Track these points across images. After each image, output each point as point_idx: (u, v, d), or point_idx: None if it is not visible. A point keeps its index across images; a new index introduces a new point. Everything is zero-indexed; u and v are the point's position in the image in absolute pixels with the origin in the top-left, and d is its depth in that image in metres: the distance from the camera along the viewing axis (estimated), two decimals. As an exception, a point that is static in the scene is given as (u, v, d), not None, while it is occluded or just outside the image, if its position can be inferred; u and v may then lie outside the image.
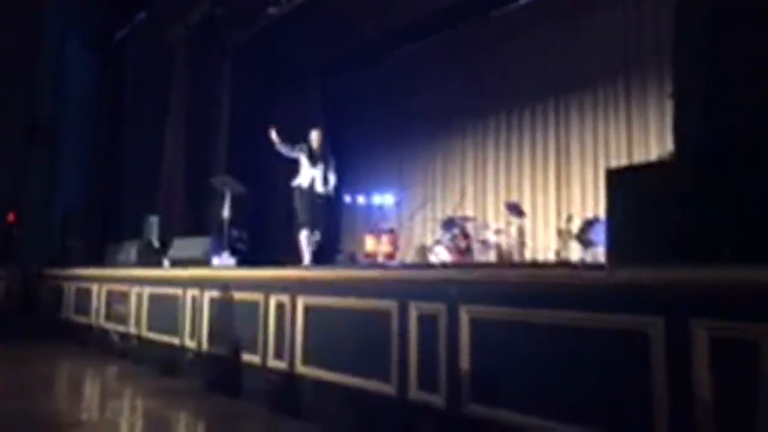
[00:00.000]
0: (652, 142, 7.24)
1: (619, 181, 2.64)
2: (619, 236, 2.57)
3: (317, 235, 6.33)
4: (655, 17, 7.16)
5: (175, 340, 5.43)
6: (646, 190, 2.49)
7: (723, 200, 2.19)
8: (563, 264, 5.70)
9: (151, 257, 7.12)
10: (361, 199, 10.62)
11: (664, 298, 2.14)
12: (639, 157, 7.27)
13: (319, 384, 3.77)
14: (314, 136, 6.46)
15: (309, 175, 6.31)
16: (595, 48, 7.87)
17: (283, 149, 6.39)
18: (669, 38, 2.71)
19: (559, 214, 8.05)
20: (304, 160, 6.35)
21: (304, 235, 6.20)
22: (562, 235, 7.29)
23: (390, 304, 3.31)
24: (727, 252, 2.05)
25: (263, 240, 9.40)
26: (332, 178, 6.42)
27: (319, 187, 6.30)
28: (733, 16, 2.37)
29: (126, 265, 7.14)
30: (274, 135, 6.37)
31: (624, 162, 7.26)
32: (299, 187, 6.30)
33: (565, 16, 8.17)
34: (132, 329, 6.24)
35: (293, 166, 11.51)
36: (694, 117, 2.44)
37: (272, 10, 8.98)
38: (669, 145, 5.00)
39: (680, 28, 2.55)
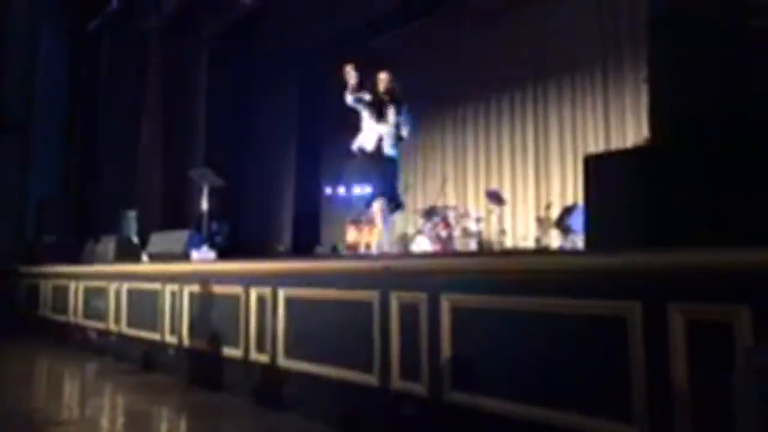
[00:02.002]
0: (629, 128, 7.31)
1: (597, 168, 2.66)
2: (596, 222, 2.59)
3: (397, 208, 5.23)
4: (631, 3, 7.20)
5: (156, 336, 5.38)
6: (622, 176, 2.50)
7: (697, 184, 2.21)
8: (542, 251, 5.74)
9: (129, 252, 7.03)
10: (341, 190, 10.59)
11: (641, 283, 2.16)
12: (617, 144, 7.34)
13: (302, 376, 3.76)
14: (382, 78, 5.16)
15: (374, 134, 5.08)
16: (572, 35, 7.90)
17: (350, 98, 5.19)
18: (643, 23, 2.71)
19: (538, 201, 8.10)
20: (365, 115, 5.16)
21: (378, 207, 5.12)
22: (542, 222, 7.35)
23: (371, 295, 3.31)
24: (700, 236, 2.07)
25: (243, 233, 9.34)
26: (405, 133, 5.17)
27: (389, 149, 5.07)
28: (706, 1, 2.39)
29: (104, 261, 7.04)
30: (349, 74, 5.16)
31: (602, 148, 7.32)
32: (361, 150, 5.16)
33: (542, 3, 8.18)
34: (111, 326, 6.17)
35: (273, 156, 11.39)
36: (667, 103, 2.45)
37: (246, 1, 8.85)
38: (645, 131, 5.05)
39: (654, 12, 2.56)
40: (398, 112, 5.07)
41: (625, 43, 7.38)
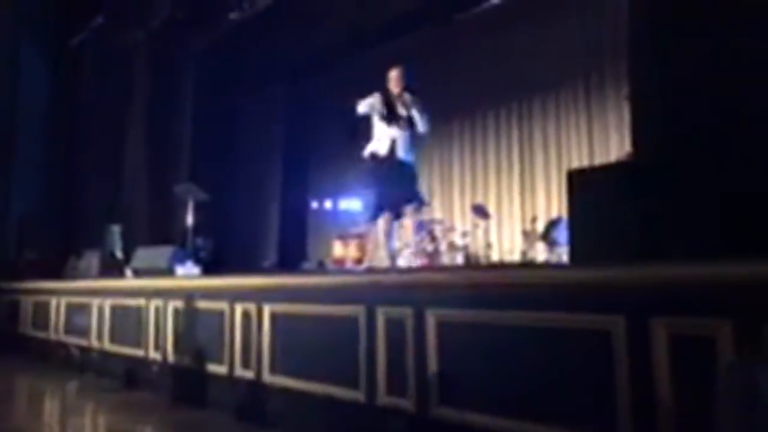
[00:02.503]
0: (613, 143, 7.40)
1: (580, 182, 2.68)
2: (580, 236, 2.61)
3: (412, 213, 4.81)
4: (614, 20, 7.33)
5: (139, 353, 5.30)
6: (606, 191, 2.53)
7: (679, 199, 2.24)
8: (527, 264, 5.77)
9: (112, 268, 6.95)
10: (328, 204, 10.60)
11: (625, 297, 2.18)
12: (600, 158, 7.42)
13: (287, 392, 3.72)
14: (393, 76, 4.83)
15: (386, 138, 4.74)
16: (556, 52, 8.02)
17: (363, 105, 4.87)
18: (626, 41, 2.76)
19: (524, 215, 8.16)
20: (376, 119, 4.82)
21: (381, 222, 4.80)
22: (528, 235, 7.38)
23: (357, 310, 3.29)
24: (683, 250, 2.09)
25: (229, 248, 9.28)
26: (422, 128, 4.74)
27: (403, 153, 4.71)
28: (686, 18, 2.44)
29: (87, 276, 6.95)
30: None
31: (586, 163, 7.40)
32: (374, 155, 4.80)
33: (527, 21, 8.30)
34: (93, 342, 6.08)
35: (258, 170, 11.37)
36: (649, 118, 2.49)
37: (234, 15, 8.88)
38: (628, 146, 5.11)
39: (635, 31, 2.61)
40: (410, 107, 4.70)
41: (607, 61, 7.50)
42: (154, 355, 5.12)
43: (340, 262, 8.00)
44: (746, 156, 2.13)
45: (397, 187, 4.68)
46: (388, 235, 4.81)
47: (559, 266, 3.76)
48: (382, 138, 4.77)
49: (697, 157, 2.26)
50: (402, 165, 4.74)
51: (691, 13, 2.43)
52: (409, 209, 4.78)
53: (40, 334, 7.21)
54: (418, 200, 4.83)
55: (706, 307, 1.95)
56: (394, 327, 3.08)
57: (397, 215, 4.82)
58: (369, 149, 4.87)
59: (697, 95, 2.40)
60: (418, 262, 7.02)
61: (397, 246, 8.33)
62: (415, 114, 4.72)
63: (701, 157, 2.26)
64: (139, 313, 5.36)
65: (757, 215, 2.02)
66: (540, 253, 7.10)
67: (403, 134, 4.74)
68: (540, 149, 8.32)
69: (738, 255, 1.95)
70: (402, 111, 4.72)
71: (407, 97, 4.73)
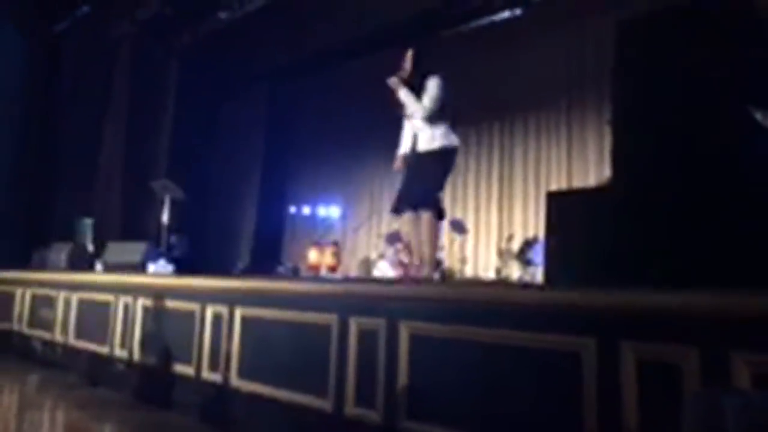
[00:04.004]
0: (591, 168, 7.53)
1: (558, 204, 2.72)
2: (556, 257, 2.65)
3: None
4: (597, 46, 7.48)
5: (104, 349, 5.20)
6: (583, 214, 2.57)
7: (654, 226, 2.28)
8: (502, 282, 5.81)
9: (82, 261, 6.82)
10: (306, 210, 10.56)
11: (597, 320, 2.20)
12: (578, 182, 7.54)
13: (254, 398, 3.68)
14: (408, 56, 4.38)
15: (408, 133, 4.36)
16: (540, 73, 8.14)
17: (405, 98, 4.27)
18: (608, 67, 2.82)
19: (500, 233, 8.23)
20: (404, 118, 4.40)
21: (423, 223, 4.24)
22: (503, 254, 7.45)
23: (330, 318, 3.28)
24: (656, 276, 2.13)
25: (203, 248, 9.18)
26: (428, 102, 4.13)
27: (425, 144, 4.16)
28: (669, 47, 2.50)
29: (55, 268, 6.81)
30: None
31: (564, 185, 7.51)
32: (402, 158, 4.42)
33: (512, 42, 8.42)
34: (57, 336, 5.94)
35: (237, 172, 11.27)
36: (629, 145, 2.54)
37: (223, 15, 8.84)
38: (606, 172, 5.20)
39: (619, 57, 2.66)
40: (422, 87, 4.19)
41: (590, 85, 7.64)
42: (119, 352, 5.03)
43: (314, 268, 7.97)
44: (722, 188, 2.18)
45: (409, 187, 4.19)
46: (433, 237, 4.20)
47: (533, 286, 3.80)
48: (407, 137, 4.38)
49: (676, 186, 2.31)
50: (420, 159, 4.17)
51: (676, 39, 2.50)
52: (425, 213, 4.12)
53: (2, 326, 7.02)
54: (433, 207, 4.12)
55: (675, 334, 1.98)
56: (367, 338, 3.07)
57: (439, 216, 4.22)
58: (400, 150, 4.43)
59: (676, 123, 2.45)
60: (393, 273, 7.04)
61: (373, 256, 8.35)
62: (426, 92, 4.16)
63: (678, 186, 2.30)
64: (107, 309, 5.26)
65: (730, 244, 2.07)
66: (514, 271, 7.17)
67: (425, 126, 4.17)
68: (519, 169, 8.42)
69: (711, 285, 1.99)
70: (417, 107, 4.18)
71: (417, 83, 4.24)
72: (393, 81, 4.33)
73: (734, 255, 2.04)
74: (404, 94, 4.25)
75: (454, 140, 4.22)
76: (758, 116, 2.21)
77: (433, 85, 4.17)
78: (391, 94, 4.36)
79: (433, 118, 4.16)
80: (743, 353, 1.83)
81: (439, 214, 4.21)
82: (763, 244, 2.00)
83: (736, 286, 1.93)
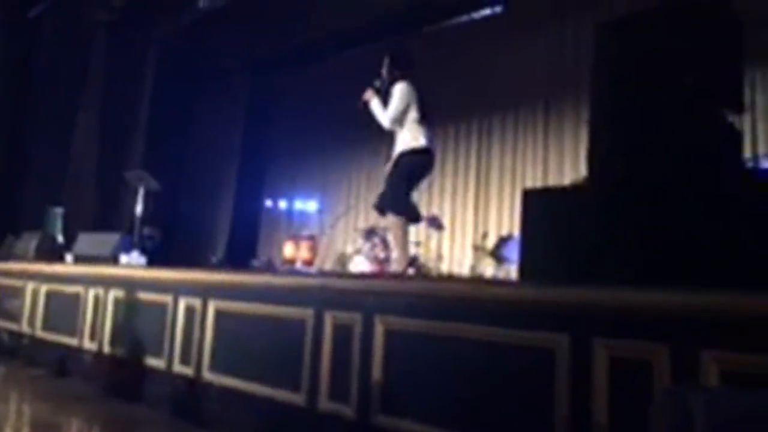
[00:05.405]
0: (567, 166, 7.60)
1: (534, 202, 2.74)
2: (530, 254, 2.66)
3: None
4: (576, 46, 7.55)
5: (73, 341, 5.11)
6: (558, 212, 2.59)
7: (628, 224, 2.31)
8: (477, 279, 5.85)
9: (52, 252, 6.67)
10: (282, 204, 10.49)
11: (570, 316, 2.23)
12: (554, 180, 7.60)
13: (226, 391, 3.65)
14: (384, 62, 4.48)
15: (396, 137, 4.37)
16: (519, 72, 8.18)
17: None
18: (587, 68, 2.84)
19: (476, 229, 8.27)
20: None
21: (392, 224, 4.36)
22: (478, 250, 7.49)
23: (305, 313, 3.26)
24: (628, 274, 2.16)
25: (177, 240, 9.07)
26: (389, 113, 4.23)
27: (398, 148, 4.29)
28: (646, 48, 2.52)
29: (23, 258, 6.66)
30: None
31: (539, 184, 7.57)
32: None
33: (492, 40, 8.45)
34: (24, 327, 5.81)
35: (214, 164, 11.15)
36: (604, 145, 2.57)
37: (202, 4, 8.72)
38: (581, 171, 5.25)
39: (598, 58, 2.68)
40: (386, 90, 4.29)
41: (567, 88, 7.70)
42: (89, 344, 4.94)
43: (290, 262, 7.91)
44: (694, 187, 2.22)
45: (383, 190, 4.29)
46: (399, 240, 4.31)
47: (508, 283, 3.83)
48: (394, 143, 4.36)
49: (649, 185, 2.34)
50: (394, 163, 4.26)
51: (652, 43, 2.52)
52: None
53: (-33, 316, 6.85)
54: (389, 208, 4.23)
55: (646, 332, 2.01)
56: (342, 332, 3.06)
57: (413, 219, 4.35)
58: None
59: (648, 125, 2.48)
60: (369, 268, 7.03)
61: (349, 251, 8.32)
62: (376, 110, 4.32)
63: (653, 185, 2.33)
64: (76, 301, 5.17)
65: (701, 243, 2.10)
66: (488, 268, 7.21)
67: (401, 134, 4.28)
68: (496, 166, 8.47)
69: (678, 282, 2.02)
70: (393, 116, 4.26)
71: (389, 89, 4.33)
72: (368, 94, 4.44)
73: (705, 254, 2.08)
74: (374, 106, 4.37)
75: (422, 142, 4.25)
76: (730, 117, 2.25)
77: (396, 92, 4.26)
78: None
79: (401, 123, 4.27)
80: (712, 351, 1.87)
81: (412, 218, 4.31)
82: (733, 244, 2.04)
83: (708, 284, 1.96)
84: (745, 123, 5.87)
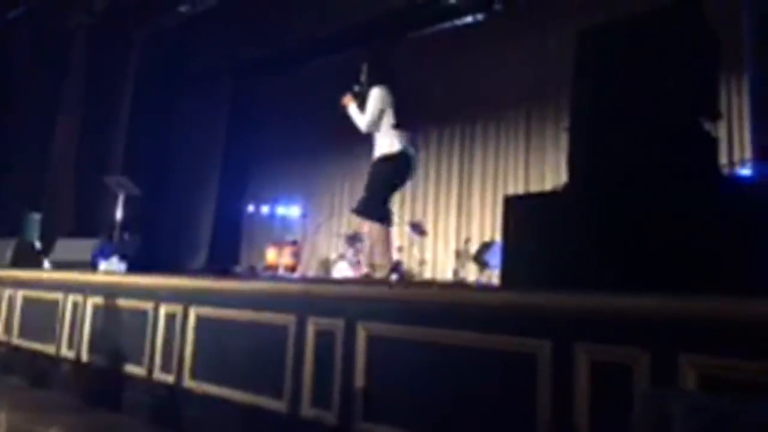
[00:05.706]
0: (548, 173, 7.67)
1: (515, 208, 2.75)
2: (512, 260, 2.68)
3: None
4: (557, 54, 7.63)
5: (51, 349, 5.01)
6: (539, 218, 2.61)
7: (608, 230, 2.33)
8: (459, 284, 5.87)
9: (29, 258, 6.56)
10: (265, 209, 10.44)
11: (552, 322, 2.24)
12: (535, 187, 7.68)
13: (207, 399, 3.61)
14: (363, 70, 4.55)
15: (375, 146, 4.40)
16: (502, 79, 8.26)
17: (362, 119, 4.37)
18: (568, 75, 2.88)
19: (458, 235, 8.31)
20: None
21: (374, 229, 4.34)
22: (461, 256, 7.52)
23: (287, 319, 3.24)
24: (609, 279, 2.18)
25: (158, 246, 8.98)
26: (366, 117, 4.32)
27: (376, 152, 4.36)
28: (625, 56, 2.56)
29: (-1, 265, 6.54)
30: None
31: (521, 190, 7.64)
32: None
33: (475, 47, 8.52)
34: (1, 336, 5.70)
35: (195, 170, 11.06)
36: (584, 151, 2.59)
37: (183, 8, 8.67)
38: (562, 178, 5.30)
39: (578, 65, 2.71)
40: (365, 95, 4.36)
41: (549, 95, 7.80)
42: (66, 352, 4.86)
43: (272, 268, 7.88)
44: (673, 194, 2.25)
45: (366, 196, 4.28)
46: (381, 244, 4.27)
47: (490, 288, 3.84)
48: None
49: (627, 192, 2.37)
50: (371, 170, 4.33)
51: (632, 51, 2.56)
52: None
53: (-59, 324, 6.70)
54: (364, 212, 4.28)
55: (626, 337, 2.03)
56: (324, 338, 3.04)
57: (383, 222, 4.28)
58: None
59: (627, 131, 2.52)
60: (352, 273, 7.02)
61: (332, 257, 8.30)
62: (354, 115, 4.41)
63: (630, 192, 2.36)
64: (54, 308, 5.08)
65: (680, 249, 2.13)
66: (471, 273, 7.25)
67: (382, 138, 4.32)
68: (478, 173, 8.53)
69: (657, 287, 2.04)
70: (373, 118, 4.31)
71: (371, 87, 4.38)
72: (346, 99, 4.51)
73: (684, 259, 2.11)
74: (352, 111, 4.45)
75: (397, 147, 4.25)
76: (706, 124, 2.29)
77: (371, 97, 4.32)
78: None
79: (378, 127, 4.33)
80: (691, 355, 1.89)
81: (384, 221, 4.27)
82: (711, 249, 2.07)
83: (686, 289, 1.99)
84: (721, 130, 5.99)
